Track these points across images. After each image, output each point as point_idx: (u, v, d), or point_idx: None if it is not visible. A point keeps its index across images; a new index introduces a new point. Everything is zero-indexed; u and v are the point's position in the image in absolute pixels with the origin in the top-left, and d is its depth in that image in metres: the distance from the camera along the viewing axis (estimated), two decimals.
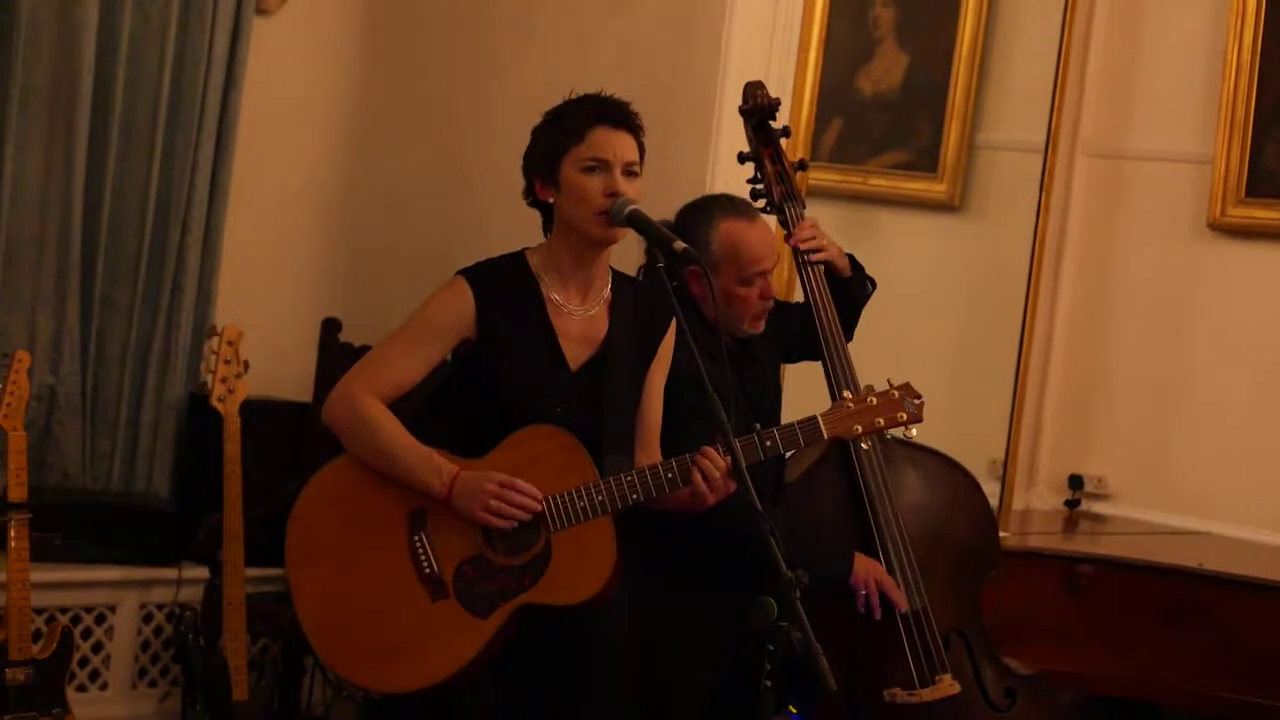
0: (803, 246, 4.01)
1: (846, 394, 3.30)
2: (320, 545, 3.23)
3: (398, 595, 3.17)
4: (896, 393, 3.29)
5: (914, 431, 3.34)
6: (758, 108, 4.11)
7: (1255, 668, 4.47)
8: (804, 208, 4.11)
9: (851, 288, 4.10)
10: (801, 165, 4.18)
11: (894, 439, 4.02)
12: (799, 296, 4.10)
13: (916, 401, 3.30)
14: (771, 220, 4.13)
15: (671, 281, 3.19)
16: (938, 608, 3.99)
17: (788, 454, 3.83)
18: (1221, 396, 5.54)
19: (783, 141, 4.15)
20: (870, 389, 3.30)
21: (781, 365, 4.26)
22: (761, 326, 3.90)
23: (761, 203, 4.10)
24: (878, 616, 3.87)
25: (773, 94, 4.13)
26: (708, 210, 3.89)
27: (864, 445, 3.82)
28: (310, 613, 3.22)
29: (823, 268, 4.03)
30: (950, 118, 5.94)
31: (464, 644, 3.14)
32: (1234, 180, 5.48)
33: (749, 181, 4.17)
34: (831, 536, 3.97)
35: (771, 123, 4.13)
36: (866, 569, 3.89)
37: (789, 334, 4.07)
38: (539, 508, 3.15)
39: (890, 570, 3.92)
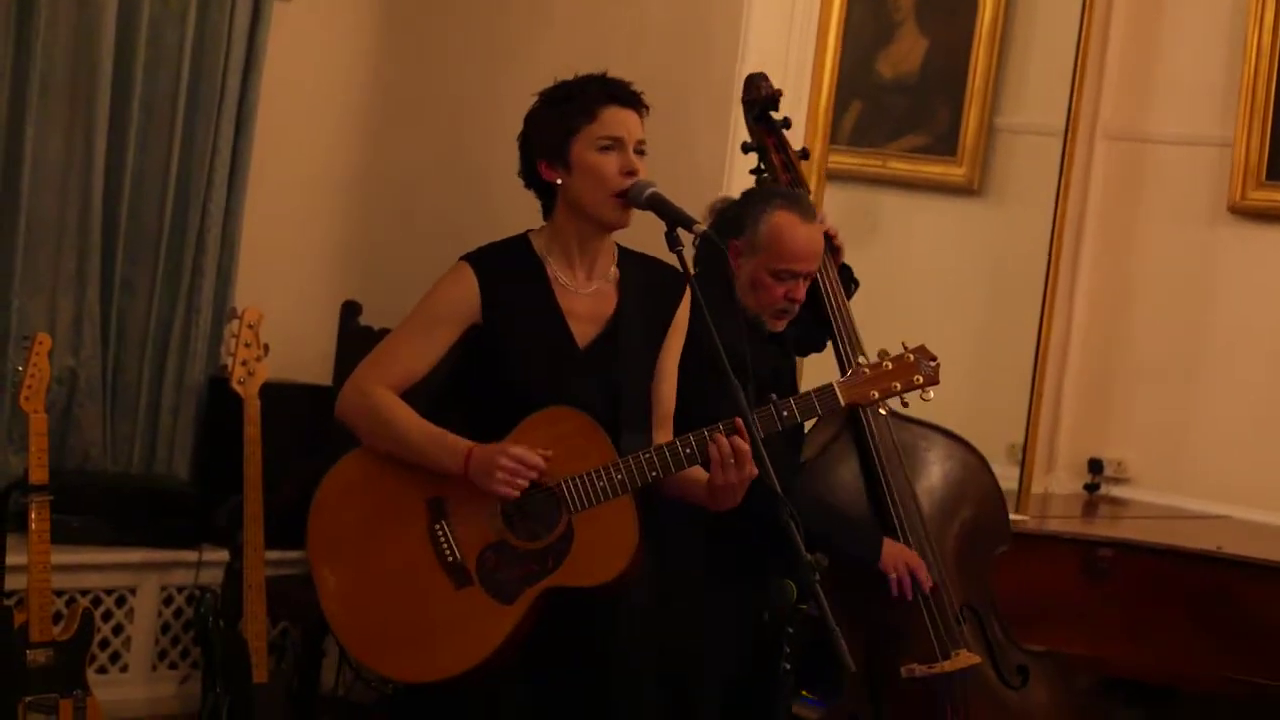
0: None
1: (862, 359, 3.24)
2: (341, 538, 3.22)
3: (422, 584, 3.16)
4: (911, 356, 3.22)
5: (931, 394, 3.25)
6: (760, 99, 4.14)
7: (1274, 651, 4.46)
8: (810, 194, 4.13)
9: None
10: (804, 154, 4.21)
11: (903, 418, 4.02)
12: None
13: (932, 363, 3.22)
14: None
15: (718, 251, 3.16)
16: (950, 584, 4.01)
17: (806, 428, 3.86)
18: (1241, 379, 5.53)
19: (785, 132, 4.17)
20: (885, 353, 3.22)
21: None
22: (780, 326, 3.89)
23: None
24: (909, 598, 3.89)
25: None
26: (769, 196, 3.91)
27: (883, 411, 3.75)
28: (335, 606, 3.21)
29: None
30: (970, 101, 5.93)
31: (491, 630, 3.13)
32: (1254, 163, 5.47)
33: (752, 171, 4.18)
34: (850, 513, 3.99)
35: (773, 113, 4.15)
36: (895, 553, 3.91)
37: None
38: (542, 465, 3.12)
39: (907, 544, 3.95)
